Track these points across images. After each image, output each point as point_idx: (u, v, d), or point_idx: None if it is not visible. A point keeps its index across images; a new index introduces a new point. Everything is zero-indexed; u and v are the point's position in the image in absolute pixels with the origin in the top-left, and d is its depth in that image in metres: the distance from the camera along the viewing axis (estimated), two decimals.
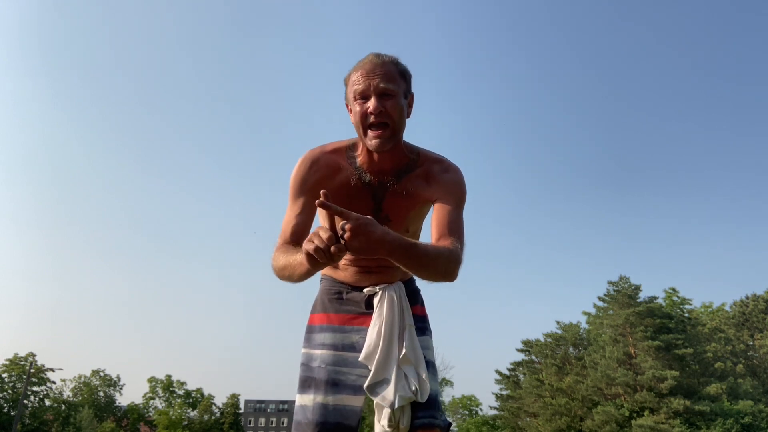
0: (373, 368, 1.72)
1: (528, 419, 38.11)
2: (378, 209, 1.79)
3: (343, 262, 1.90)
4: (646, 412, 30.30)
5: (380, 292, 1.84)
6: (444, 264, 1.58)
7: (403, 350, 1.74)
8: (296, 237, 1.71)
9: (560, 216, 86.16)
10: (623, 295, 35.25)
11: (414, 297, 1.95)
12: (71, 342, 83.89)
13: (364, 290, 1.88)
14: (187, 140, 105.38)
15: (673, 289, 38.48)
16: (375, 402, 1.73)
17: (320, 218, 1.85)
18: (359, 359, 1.76)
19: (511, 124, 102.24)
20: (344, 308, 1.89)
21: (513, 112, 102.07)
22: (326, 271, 1.98)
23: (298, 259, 1.53)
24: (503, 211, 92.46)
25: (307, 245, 1.35)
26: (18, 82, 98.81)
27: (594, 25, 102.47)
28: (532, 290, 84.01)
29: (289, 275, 1.59)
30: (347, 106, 1.76)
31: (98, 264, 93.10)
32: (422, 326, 1.90)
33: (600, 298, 37.11)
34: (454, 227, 1.71)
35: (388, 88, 1.64)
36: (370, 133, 1.66)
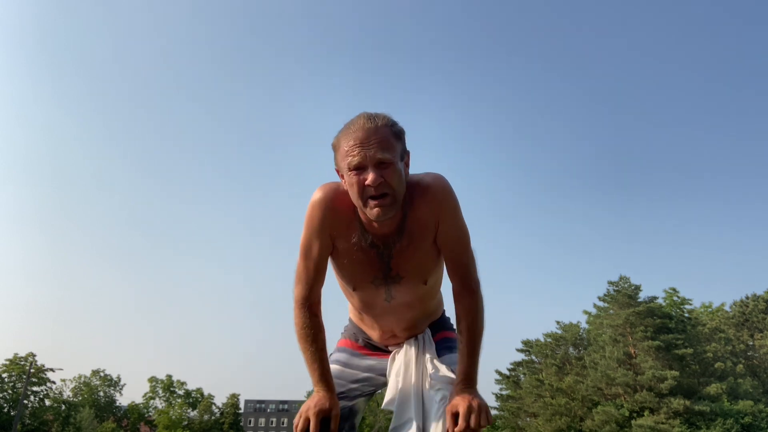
0: (394, 413, 1.82)
1: (528, 419, 38.11)
2: (387, 269, 1.76)
3: (368, 322, 1.99)
4: (646, 412, 30.30)
5: (404, 346, 1.96)
6: (483, 324, 1.77)
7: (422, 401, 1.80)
8: (313, 294, 1.80)
9: (560, 216, 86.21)
10: (623, 295, 35.24)
11: (444, 324, 2.07)
12: (71, 342, 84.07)
13: (389, 347, 2.02)
14: (188, 140, 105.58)
15: (673, 289, 38.45)
16: None
17: (333, 268, 1.84)
18: (381, 406, 1.91)
19: (510, 121, 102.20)
20: (369, 345, 2.06)
21: (515, 111, 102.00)
22: (356, 320, 2.08)
23: (307, 355, 1.76)
24: (503, 211, 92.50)
25: (296, 420, 1.71)
26: (18, 82, 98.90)
27: (596, 25, 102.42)
28: (532, 290, 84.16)
29: (301, 350, 1.78)
30: (338, 173, 1.68)
31: (98, 264, 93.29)
32: (451, 345, 1.97)
33: (600, 298, 37.14)
34: (468, 270, 1.78)
35: (386, 158, 1.54)
36: (370, 202, 1.57)
